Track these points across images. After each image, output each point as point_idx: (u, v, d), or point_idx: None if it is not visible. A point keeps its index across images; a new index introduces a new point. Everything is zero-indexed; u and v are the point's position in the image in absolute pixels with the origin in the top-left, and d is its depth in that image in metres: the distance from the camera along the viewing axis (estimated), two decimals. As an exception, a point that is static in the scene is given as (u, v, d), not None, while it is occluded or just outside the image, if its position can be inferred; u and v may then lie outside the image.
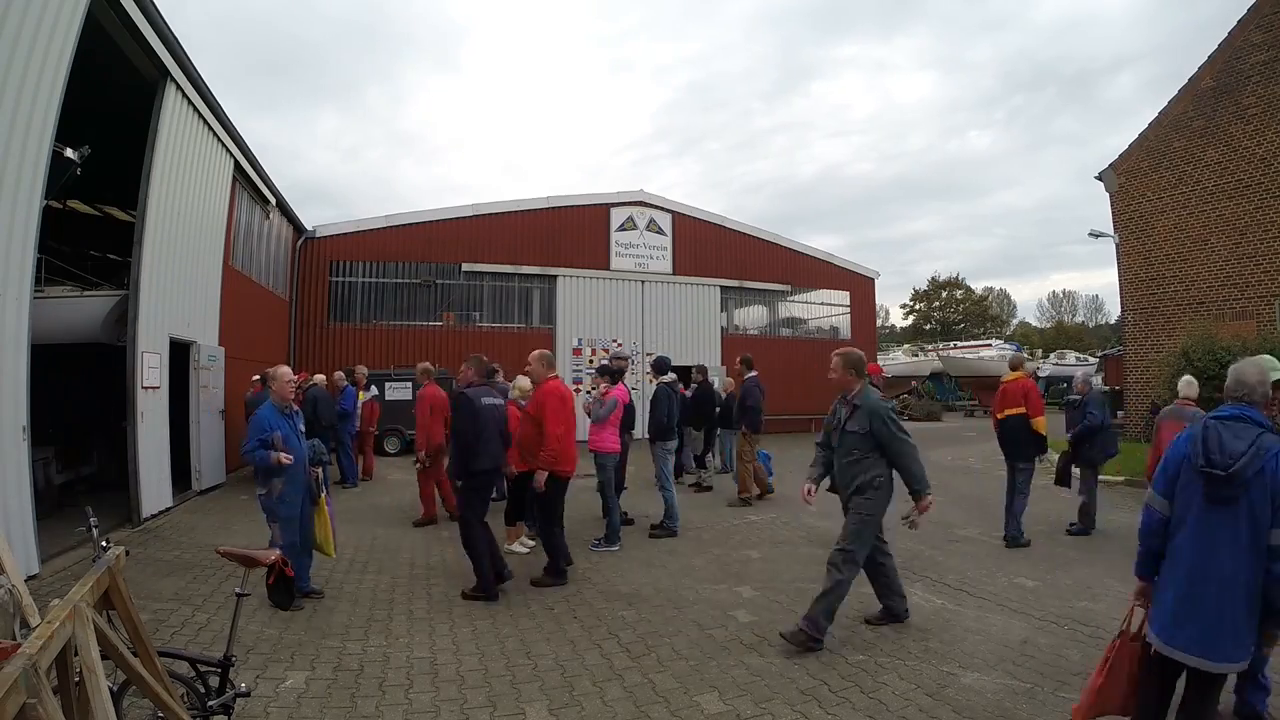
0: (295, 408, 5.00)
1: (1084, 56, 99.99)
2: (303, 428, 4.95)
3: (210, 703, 2.71)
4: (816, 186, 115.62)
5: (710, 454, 10.49)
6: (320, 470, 5.02)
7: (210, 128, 9.28)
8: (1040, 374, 38.90)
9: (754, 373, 9.01)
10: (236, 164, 10.47)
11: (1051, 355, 43.60)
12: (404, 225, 17.05)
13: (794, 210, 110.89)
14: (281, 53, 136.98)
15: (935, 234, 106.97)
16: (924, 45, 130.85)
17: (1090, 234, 15.95)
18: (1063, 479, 7.65)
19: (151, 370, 7.62)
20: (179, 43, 7.64)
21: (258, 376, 9.67)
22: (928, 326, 61.70)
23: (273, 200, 12.88)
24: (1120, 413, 15.93)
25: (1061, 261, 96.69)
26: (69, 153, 6.88)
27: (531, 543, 6.34)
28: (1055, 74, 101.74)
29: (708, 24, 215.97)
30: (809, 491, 4.33)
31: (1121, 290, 15.31)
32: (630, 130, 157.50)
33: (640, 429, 10.39)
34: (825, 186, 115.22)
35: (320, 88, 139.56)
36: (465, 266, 17.19)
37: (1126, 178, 15.03)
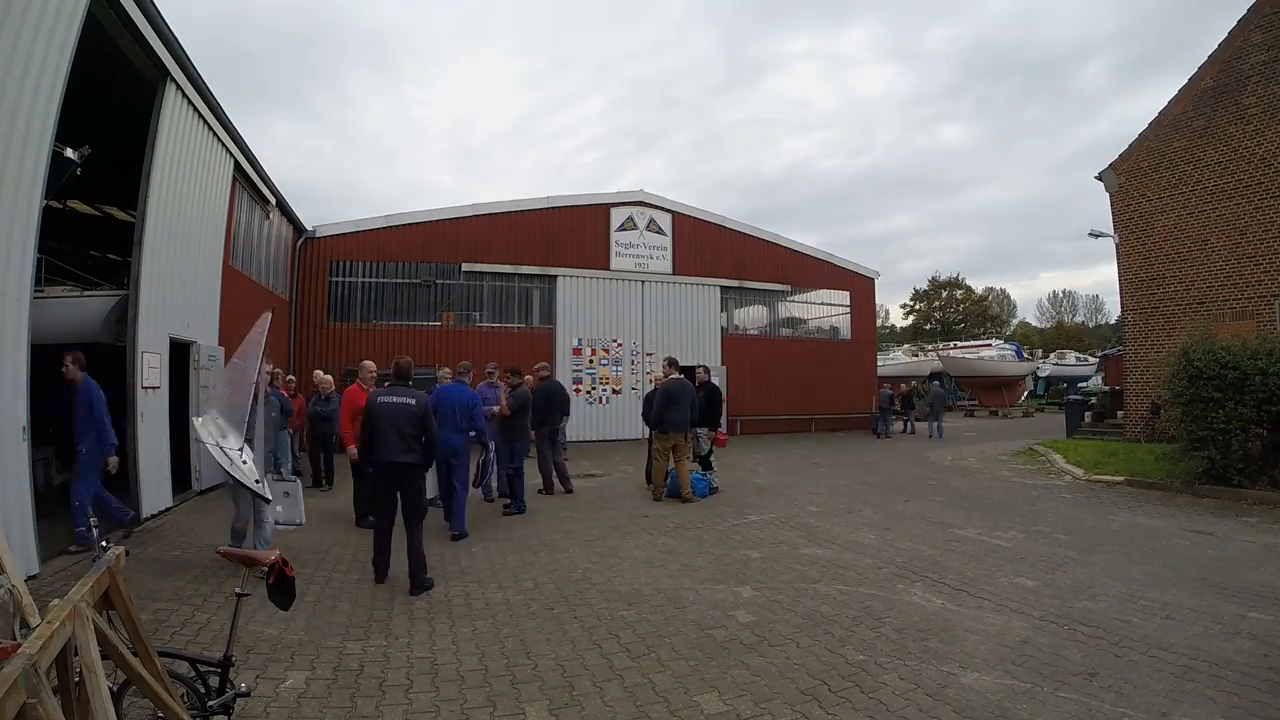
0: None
1: (1046, 42, 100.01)
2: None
3: (210, 703, 2.71)
4: (786, 183, 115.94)
5: (712, 455, 10.45)
6: None
7: (210, 127, 9.28)
8: (1040, 374, 39.15)
9: (678, 374, 9.33)
10: (236, 164, 10.46)
11: (1052, 355, 43.74)
12: (404, 225, 17.04)
13: (765, 208, 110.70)
14: (222, 58, 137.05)
15: (916, 231, 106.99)
16: (877, 36, 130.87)
17: (1090, 234, 15.98)
18: None
19: (151, 370, 7.62)
20: (179, 42, 7.64)
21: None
22: (928, 326, 61.73)
23: (273, 200, 12.88)
24: (1120, 413, 15.95)
25: (1047, 260, 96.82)
26: (69, 153, 6.87)
27: None
28: (1018, 61, 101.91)
29: (645, 19, 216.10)
30: None
31: (1121, 290, 15.31)
32: (589, 128, 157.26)
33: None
34: (794, 184, 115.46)
35: (266, 94, 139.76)
36: (465, 266, 17.19)
37: (1126, 178, 15.04)
